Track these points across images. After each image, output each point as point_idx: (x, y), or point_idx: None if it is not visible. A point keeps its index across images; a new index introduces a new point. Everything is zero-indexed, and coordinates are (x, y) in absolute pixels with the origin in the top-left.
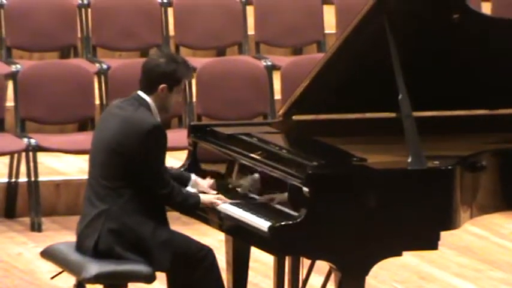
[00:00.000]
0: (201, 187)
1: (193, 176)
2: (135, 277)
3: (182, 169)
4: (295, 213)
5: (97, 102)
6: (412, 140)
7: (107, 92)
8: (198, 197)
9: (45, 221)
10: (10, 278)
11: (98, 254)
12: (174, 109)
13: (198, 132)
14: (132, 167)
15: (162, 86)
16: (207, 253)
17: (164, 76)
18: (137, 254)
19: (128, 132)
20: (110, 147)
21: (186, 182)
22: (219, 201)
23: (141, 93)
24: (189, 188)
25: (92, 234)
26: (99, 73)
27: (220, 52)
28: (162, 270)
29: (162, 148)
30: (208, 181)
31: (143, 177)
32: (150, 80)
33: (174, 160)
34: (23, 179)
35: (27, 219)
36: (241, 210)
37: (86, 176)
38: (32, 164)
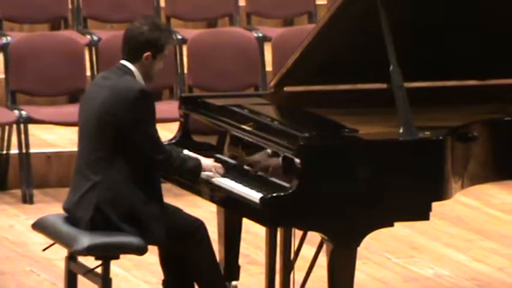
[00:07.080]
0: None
1: (186, 152)
2: (127, 249)
3: (173, 141)
4: (287, 185)
5: (88, 74)
6: (403, 110)
7: (98, 63)
8: (198, 160)
9: (36, 193)
10: (2, 250)
11: (93, 225)
12: (159, 77)
13: (189, 104)
14: (124, 135)
15: (146, 54)
16: (198, 226)
17: (148, 44)
18: (132, 225)
19: (115, 100)
20: (99, 117)
21: None
22: (220, 169)
23: (124, 62)
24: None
25: (87, 206)
26: (90, 45)
27: (211, 24)
28: (157, 244)
29: (152, 112)
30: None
31: (138, 144)
32: (134, 48)
33: (166, 132)
34: (14, 151)
35: (18, 192)
36: (232, 181)
37: (77, 148)
38: (23, 136)
